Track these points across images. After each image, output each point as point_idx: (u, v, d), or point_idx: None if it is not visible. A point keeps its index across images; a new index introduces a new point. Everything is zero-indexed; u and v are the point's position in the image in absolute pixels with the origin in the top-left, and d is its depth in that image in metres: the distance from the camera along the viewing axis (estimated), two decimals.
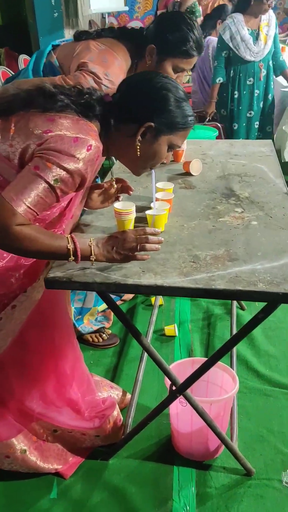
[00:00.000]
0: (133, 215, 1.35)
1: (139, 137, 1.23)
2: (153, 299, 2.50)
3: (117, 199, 1.46)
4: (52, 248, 1.14)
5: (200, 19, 5.39)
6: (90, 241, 1.17)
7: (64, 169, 1.12)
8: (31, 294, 1.33)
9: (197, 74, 3.93)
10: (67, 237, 1.16)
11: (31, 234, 1.10)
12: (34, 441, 1.57)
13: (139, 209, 1.50)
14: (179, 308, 2.50)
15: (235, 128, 3.50)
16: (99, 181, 2.10)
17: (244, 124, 3.49)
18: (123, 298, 2.53)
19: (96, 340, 2.23)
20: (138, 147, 1.24)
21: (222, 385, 1.69)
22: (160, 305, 2.49)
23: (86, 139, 1.15)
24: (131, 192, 1.45)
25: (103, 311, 2.33)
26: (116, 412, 1.69)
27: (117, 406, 1.70)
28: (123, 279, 1.16)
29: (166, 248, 1.29)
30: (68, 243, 1.15)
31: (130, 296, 2.57)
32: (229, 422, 1.70)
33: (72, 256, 1.15)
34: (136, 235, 1.18)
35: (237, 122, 3.49)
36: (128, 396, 1.87)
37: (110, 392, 1.80)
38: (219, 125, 3.48)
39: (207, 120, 3.54)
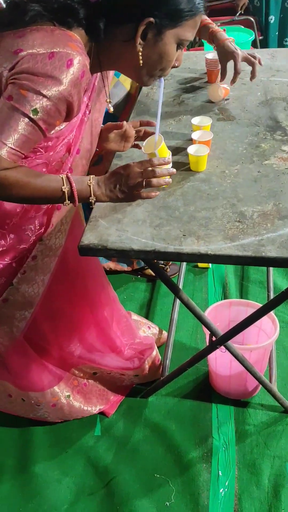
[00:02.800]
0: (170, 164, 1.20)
1: (139, 40, 0.99)
2: None
3: (136, 146, 1.29)
4: (45, 192, 0.99)
5: None
6: (90, 180, 1.02)
7: (43, 95, 0.91)
8: (48, 242, 1.23)
9: None
10: (61, 177, 1.00)
11: (19, 178, 0.95)
12: (76, 385, 1.60)
13: (174, 151, 1.34)
14: None
15: (271, 21, 3.06)
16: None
17: (281, 16, 3.05)
18: None
19: (119, 267, 2.19)
20: (140, 52, 1.01)
21: (261, 327, 1.65)
22: None
23: (64, 52, 0.92)
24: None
25: None
26: (155, 352, 1.70)
27: (155, 346, 1.71)
28: (163, 246, 1.07)
29: (207, 204, 1.17)
30: (63, 184, 0.99)
31: None
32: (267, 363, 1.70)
33: (67, 200, 1.00)
34: (142, 169, 1.01)
35: (274, 14, 3.05)
36: (165, 334, 1.88)
37: (148, 332, 1.80)
38: (252, 19, 3.05)
39: (238, 14, 3.09)
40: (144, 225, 1.13)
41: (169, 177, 1.05)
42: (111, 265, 2.17)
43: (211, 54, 1.69)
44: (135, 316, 1.83)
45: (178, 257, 1.06)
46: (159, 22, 0.98)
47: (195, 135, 1.32)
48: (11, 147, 0.91)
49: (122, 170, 1.02)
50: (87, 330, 1.50)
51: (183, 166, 1.30)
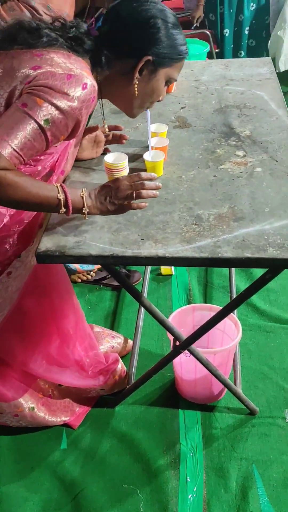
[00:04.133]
0: (126, 171, 1.21)
1: (137, 74, 1.12)
2: None
3: (106, 150, 1.31)
4: (40, 198, 1.02)
5: None
6: (82, 192, 1.07)
7: (57, 107, 0.99)
8: (25, 259, 1.24)
9: None
10: (56, 186, 1.04)
11: (16, 180, 0.98)
12: (41, 397, 1.57)
13: (131, 158, 1.36)
14: None
15: (226, 34, 3.16)
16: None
17: (235, 29, 3.16)
18: None
19: (84, 278, 2.19)
20: (136, 85, 1.13)
21: (225, 330, 1.67)
22: None
23: (81, 76, 1.01)
24: (124, 141, 1.30)
25: None
26: (120, 365, 1.68)
27: (120, 360, 1.69)
28: (122, 250, 1.07)
29: (165, 208, 1.18)
30: (58, 193, 1.03)
31: None
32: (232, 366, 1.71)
33: (63, 207, 1.04)
34: (131, 182, 1.06)
35: (228, 27, 3.15)
36: (130, 342, 1.87)
37: (112, 342, 1.79)
38: (207, 32, 3.14)
39: (193, 26, 3.18)
40: (102, 230, 1.13)
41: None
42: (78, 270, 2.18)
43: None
44: (97, 328, 1.82)
45: (137, 260, 1.07)
46: (155, 60, 1.11)
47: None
48: (14, 149, 0.96)
49: (112, 184, 1.07)
50: (52, 344, 1.48)
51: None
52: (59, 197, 1.02)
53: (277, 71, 3.10)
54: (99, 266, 2.26)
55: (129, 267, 2.22)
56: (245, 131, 1.47)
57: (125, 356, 1.81)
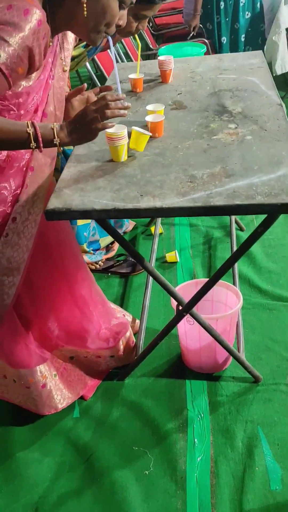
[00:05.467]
0: (126, 140, 1.32)
1: None
2: (152, 228, 2.51)
3: None
4: (10, 134, 1.08)
5: None
6: (53, 125, 1.13)
7: (4, 40, 0.97)
8: (25, 204, 1.29)
9: None
10: (27, 122, 1.10)
11: None
12: (60, 366, 1.64)
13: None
14: (179, 234, 2.52)
15: (224, 42, 3.33)
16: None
17: (232, 37, 3.32)
18: (124, 230, 2.55)
19: (93, 267, 2.28)
20: (84, 4, 1.11)
21: (227, 303, 1.75)
22: (160, 234, 2.52)
23: (21, 4, 1.01)
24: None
25: (106, 246, 2.37)
26: (129, 332, 1.76)
27: (129, 326, 1.77)
28: (122, 205, 1.17)
29: (162, 170, 1.28)
30: (28, 127, 1.08)
31: (130, 227, 2.59)
32: (235, 336, 1.78)
33: (33, 142, 1.10)
34: (97, 106, 1.13)
35: (225, 35, 3.32)
36: (138, 322, 1.94)
37: (123, 318, 1.87)
38: (206, 41, 3.31)
39: (190, 35, 3.35)
40: (104, 190, 1.23)
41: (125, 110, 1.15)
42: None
43: (164, 56, 1.86)
44: (111, 304, 1.90)
45: (136, 213, 1.16)
46: None
47: (148, 118, 1.45)
48: None
49: (80, 111, 1.14)
50: (65, 307, 1.55)
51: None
52: (28, 131, 1.08)
53: (274, 75, 3.25)
54: (106, 256, 2.36)
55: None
56: (237, 108, 1.58)
57: (134, 335, 1.89)
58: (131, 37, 1.86)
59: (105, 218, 1.27)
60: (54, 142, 1.13)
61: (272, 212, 1.16)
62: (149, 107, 1.53)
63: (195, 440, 1.54)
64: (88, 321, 1.62)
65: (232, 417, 1.59)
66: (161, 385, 1.73)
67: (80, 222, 2.20)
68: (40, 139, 1.10)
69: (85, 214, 1.18)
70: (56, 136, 1.12)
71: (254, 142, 1.36)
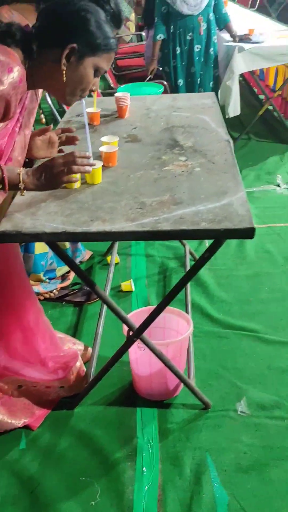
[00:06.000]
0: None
1: (64, 61, 1.21)
2: (109, 258, 2.54)
3: (60, 151, 1.47)
4: None
5: None
6: (19, 170, 1.19)
7: None
8: None
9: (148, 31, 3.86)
10: None
11: None
12: (0, 397, 1.61)
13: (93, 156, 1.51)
14: (135, 264, 2.56)
15: (180, 84, 3.51)
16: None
17: (188, 80, 3.51)
18: (80, 260, 2.56)
19: (47, 295, 2.27)
20: (64, 71, 1.21)
21: (178, 329, 1.78)
22: (117, 264, 2.55)
23: (6, 61, 1.11)
24: (76, 142, 1.45)
25: (62, 275, 2.37)
26: (79, 363, 1.75)
27: (79, 357, 1.76)
28: (73, 228, 1.20)
29: (113, 198, 1.33)
30: None
31: (87, 256, 2.61)
32: (186, 363, 1.80)
33: None
34: (64, 160, 1.20)
35: (181, 78, 3.50)
36: (90, 350, 1.94)
37: (73, 348, 1.85)
38: (164, 82, 3.48)
39: (147, 78, 3.52)
40: (56, 215, 1.26)
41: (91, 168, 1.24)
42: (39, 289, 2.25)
43: (120, 93, 1.95)
44: (59, 334, 1.89)
45: (86, 236, 1.19)
46: (80, 49, 1.21)
47: (102, 148, 1.51)
48: None
49: (48, 162, 1.20)
50: (12, 335, 1.55)
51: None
52: None
53: (226, 117, 3.45)
54: (61, 285, 2.36)
55: None
56: (188, 143, 1.67)
57: (85, 363, 1.87)
58: None
59: (55, 241, 1.29)
60: (19, 186, 1.18)
61: (216, 237, 1.22)
62: (104, 139, 1.59)
63: (144, 468, 1.52)
64: (35, 352, 1.61)
65: (181, 444, 1.59)
66: (112, 413, 1.72)
67: (38, 251, 2.21)
68: (6, 181, 1.16)
69: (36, 236, 1.20)
70: (21, 181, 1.18)
71: (202, 173, 1.44)
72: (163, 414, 1.70)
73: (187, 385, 1.67)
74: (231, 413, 1.69)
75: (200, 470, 1.50)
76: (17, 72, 1.13)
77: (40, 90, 1.43)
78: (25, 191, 1.20)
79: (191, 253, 2.53)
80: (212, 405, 1.71)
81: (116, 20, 1.62)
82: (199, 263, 1.34)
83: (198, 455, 1.55)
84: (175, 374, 1.62)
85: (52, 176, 1.20)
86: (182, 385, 1.75)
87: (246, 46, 3.30)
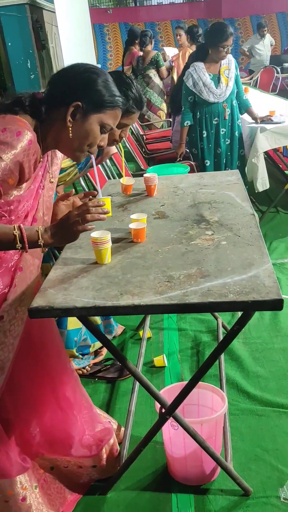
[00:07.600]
0: (109, 244, 1.43)
1: (69, 118, 1.27)
2: (141, 332, 2.54)
3: None
4: None
5: (163, 68, 5.75)
6: (38, 228, 1.24)
7: None
8: (13, 303, 1.35)
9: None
10: (14, 226, 1.21)
11: None
12: (41, 475, 1.55)
13: (115, 240, 1.58)
14: (167, 339, 2.54)
15: (207, 164, 3.67)
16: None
17: (215, 160, 3.68)
18: (114, 335, 2.57)
19: (80, 372, 2.26)
20: (70, 128, 1.28)
21: (213, 407, 1.71)
22: (149, 338, 2.53)
23: (14, 127, 1.18)
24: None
25: (95, 351, 2.38)
26: (113, 440, 1.68)
27: (114, 433, 1.70)
28: (102, 303, 1.22)
29: (142, 272, 1.36)
30: (14, 230, 1.20)
31: (120, 331, 2.61)
32: (223, 444, 1.71)
33: (19, 243, 1.21)
34: (79, 211, 1.25)
35: (208, 159, 3.68)
36: (123, 429, 1.87)
37: (107, 423, 1.80)
38: (192, 163, 3.66)
39: (177, 160, 3.72)
40: (87, 290, 1.30)
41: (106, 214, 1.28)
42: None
43: (148, 173, 2.07)
44: (98, 410, 1.85)
45: (115, 310, 1.21)
46: (85, 106, 1.28)
47: (132, 225, 1.58)
48: None
49: (64, 216, 1.27)
50: (48, 410, 1.52)
51: (123, 249, 1.53)
52: (14, 233, 1.20)
53: (256, 192, 3.55)
54: (94, 360, 2.35)
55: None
56: (214, 217, 1.72)
57: (118, 444, 1.81)
58: (118, 148, 2.16)
59: (86, 315, 1.31)
60: (39, 243, 1.24)
61: (244, 309, 1.21)
62: (133, 216, 1.66)
63: None
64: (72, 426, 1.57)
65: None
66: (146, 500, 1.62)
67: (70, 326, 2.24)
68: (26, 239, 1.21)
69: (67, 311, 1.23)
70: (40, 238, 1.23)
71: (229, 246, 1.47)
72: (200, 501, 1.59)
73: (224, 468, 1.57)
74: (273, 500, 1.57)
75: None
76: (26, 135, 1.20)
77: (60, 154, 1.50)
78: (46, 248, 1.25)
79: (224, 327, 2.49)
80: (252, 491, 1.59)
81: (138, 103, 1.80)
82: (230, 336, 1.32)
83: None
84: (211, 456, 1.54)
85: (68, 227, 1.24)
86: (219, 469, 1.64)
87: (268, 126, 3.46)
